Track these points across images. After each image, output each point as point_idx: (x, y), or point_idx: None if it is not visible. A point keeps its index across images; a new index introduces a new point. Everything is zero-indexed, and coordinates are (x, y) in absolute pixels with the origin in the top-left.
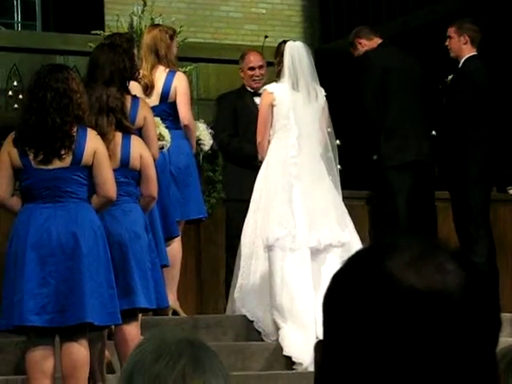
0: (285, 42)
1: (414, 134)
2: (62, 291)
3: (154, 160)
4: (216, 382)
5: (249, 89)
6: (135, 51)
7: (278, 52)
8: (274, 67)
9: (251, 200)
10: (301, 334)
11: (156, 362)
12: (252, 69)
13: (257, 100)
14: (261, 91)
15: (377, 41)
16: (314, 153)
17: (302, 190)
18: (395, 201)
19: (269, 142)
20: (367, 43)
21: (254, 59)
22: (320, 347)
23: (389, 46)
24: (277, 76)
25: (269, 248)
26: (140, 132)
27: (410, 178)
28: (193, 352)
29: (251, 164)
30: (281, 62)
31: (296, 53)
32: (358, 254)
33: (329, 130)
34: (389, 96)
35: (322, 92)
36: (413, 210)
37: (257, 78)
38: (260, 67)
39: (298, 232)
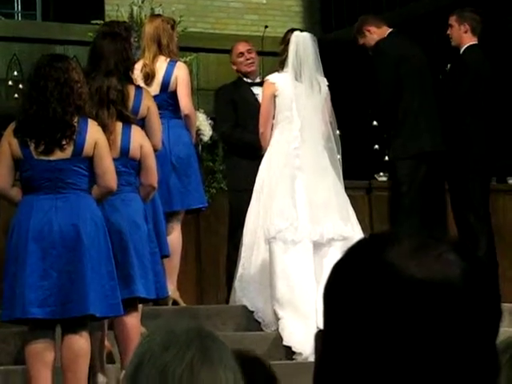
0: (292, 30)
1: (427, 124)
2: (63, 283)
3: (157, 150)
4: (224, 373)
5: (245, 79)
6: (131, 40)
7: (284, 40)
8: (273, 57)
9: (254, 190)
10: (301, 324)
11: (164, 353)
12: (241, 54)
13: (254, 90)
14: (257, 80)
15: (386, 29)
16: (316, 145)
17: (305, 181)
18: (405, 191)
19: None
20: (377, 31)
21: (241, 46)
22: (320, 337)
23: (398, 36)
24: (280, 65)
25: (270, 240)
26: (143, 122)
27: (424, 168)
28: (202, 343)
29: (253, 153)
30: (285, 51)
31: (301, 44)
32: (358, 243)
33: (331, 120)
34: (401, 86)
35: (324, 83)
36: (423, 202)
37: (248, 62)
38: (248, 51)
39: (300, 224)
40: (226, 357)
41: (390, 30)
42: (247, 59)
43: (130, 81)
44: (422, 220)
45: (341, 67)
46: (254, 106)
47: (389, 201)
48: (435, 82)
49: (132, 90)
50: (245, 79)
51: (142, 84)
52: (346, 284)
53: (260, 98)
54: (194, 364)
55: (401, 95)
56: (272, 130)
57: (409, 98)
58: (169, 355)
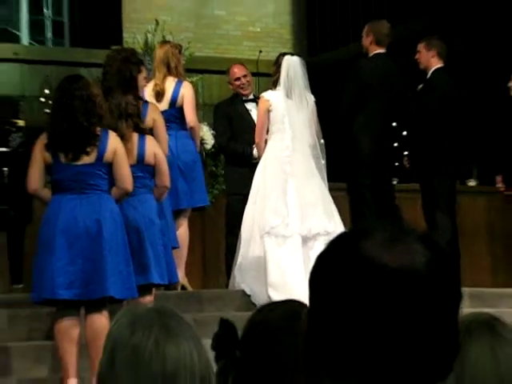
0: (283, 54)
1: (378, 139)
2: (87, 269)
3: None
4: (187, 343)
5: (240, 97)
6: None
7: (277, 63)
8: (266, 78)
9: (250, 193)
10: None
11: (132, 336)
12: (238, 79)
13: (247, 105)
14: (253, 97)
15: (378, 48)
16: (305, 153)
17: (295, 185)
18: (364, 194)
19: (265, 142)
20: (373, 42)
21: (237, 71)
22: (307, 315)
23: (383, 59)
24: (273, 84)
25: (264, 235)
26: (151, 132)
27: (371, 174)
28: (163, 321)
29: (244, 161)
30: (277, 72)
31: (292, 66)
32: (338, 237)
33: (317, 131)
34: (365, 103)
35: (311, 99)
36: (379, 200)
37: (244, 86)
38: (244, 76)
39: (291, 221)
40: (186, 330)
41: (382, 51)
42: (243, 83)
43: (140, 97)
44: (379, 217)
45: (325, 85)
46: (247, 119)
47: (352, 202)
48: (404, 106)
49: (140, 105)
50: (240, 97)
51: (153, 101)
52: (328, 272)
53: (252, 113)
54: (159, 341)
55: (361, 109)
56: (266, 140)
57: (366, 118)
58: (136, 337)
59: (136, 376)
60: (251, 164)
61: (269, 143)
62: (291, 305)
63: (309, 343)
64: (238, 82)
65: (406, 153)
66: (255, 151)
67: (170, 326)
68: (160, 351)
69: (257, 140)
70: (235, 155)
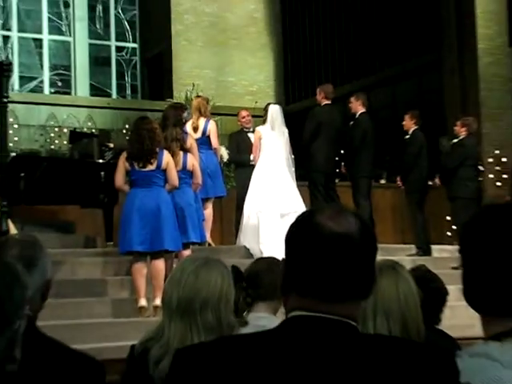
0: (269, 104)
1: (328, 155)
2: (152, 233)
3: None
4: (215, 273)
5: (244, 129)
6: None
7: (265, 109)
8: (259, 118)
9: (250, 186)
10: (274, 255)
11: (183, 265)
12: (243, 117)
13: (248, 135)
14: (252, 130)
15: (326, 101)
16: (282, 163)
17: (276, 182)
18: (318, 188)
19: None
20: (323, 97)
21: (243, 113)
22: (283, 262)
23: (328, 107)
24: (263, 122)
25: (257, 212)
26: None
27: (324, 176)
28: (205, 259)
29: (245, 166)
30: (266, 115)
31: (274, 111)
32: (302, 214)
33: (289, 151)
34: (318, 136)
35: (286, 131)
36: (327, 193)
37: (247, 121)
38: (247, 115)
39: (274, 204)
40: (219, 266)
41: (329, 102)
42: (247, 120)
43: (183, 130)
44: (326, 202)
45: (296, 123)
46: (248, 143)
47: (310, 193)
48: (342, 136)
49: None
50: (244, 129)
51: (192, 132)
52: (296, 235)
53: (252, 140)
54: (197, 269)
55: (316, 139)
56: (259, 155)
57: (320, 143)
58: (185, 266)
59: (179, 285)
60: (250, 167)
61: (260, 157)
62: (269, 259)
63: (284, 275)
64: (243, 119)
65: (343, 163)
66: (252, 157)
67: (209, 262)
68: (196, 273)
69: (254, 155)
70: (239, 162)
